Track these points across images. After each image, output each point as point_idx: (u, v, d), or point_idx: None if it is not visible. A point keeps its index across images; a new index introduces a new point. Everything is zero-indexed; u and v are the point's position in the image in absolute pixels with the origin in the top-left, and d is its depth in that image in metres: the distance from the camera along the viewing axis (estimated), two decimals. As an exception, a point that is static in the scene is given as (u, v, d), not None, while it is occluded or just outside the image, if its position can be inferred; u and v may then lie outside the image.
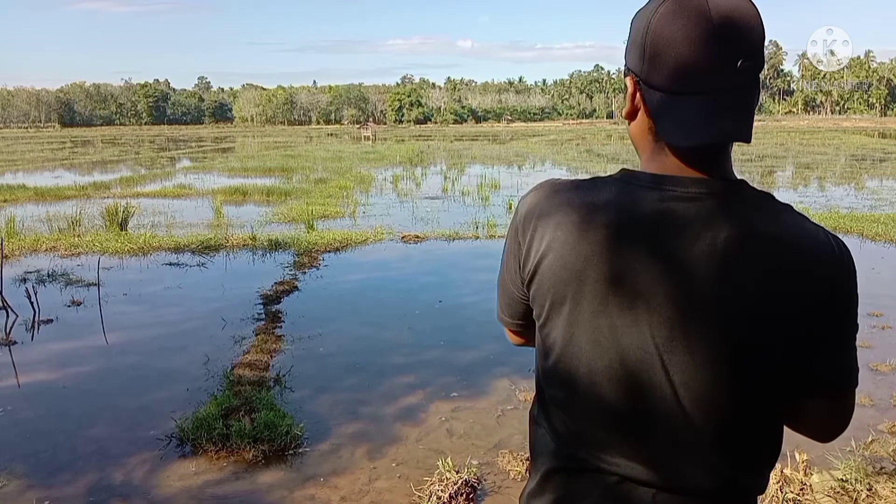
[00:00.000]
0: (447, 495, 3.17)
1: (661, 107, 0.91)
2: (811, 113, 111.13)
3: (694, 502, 0.92)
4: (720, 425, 0.90)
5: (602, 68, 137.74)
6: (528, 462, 1.12)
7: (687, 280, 0.88)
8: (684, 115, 0.88)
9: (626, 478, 0.92)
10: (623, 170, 0.96)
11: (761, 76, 0.90)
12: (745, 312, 0.87)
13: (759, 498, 0.98)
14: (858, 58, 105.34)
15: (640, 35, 0.91)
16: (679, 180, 0.90)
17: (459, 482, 3.23)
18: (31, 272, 7.89)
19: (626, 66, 0.96)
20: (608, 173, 0.97)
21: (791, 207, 0.92)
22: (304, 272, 7.95)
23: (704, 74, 0.86)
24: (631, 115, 0.97)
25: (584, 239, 0.91)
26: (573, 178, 1.00)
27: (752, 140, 0.89)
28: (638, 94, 0.94)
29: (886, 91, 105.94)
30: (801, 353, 0.90)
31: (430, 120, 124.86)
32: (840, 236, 0.96)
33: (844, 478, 3.14)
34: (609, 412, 0.93)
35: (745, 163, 24.83)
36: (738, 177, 0.93)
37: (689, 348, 0.88)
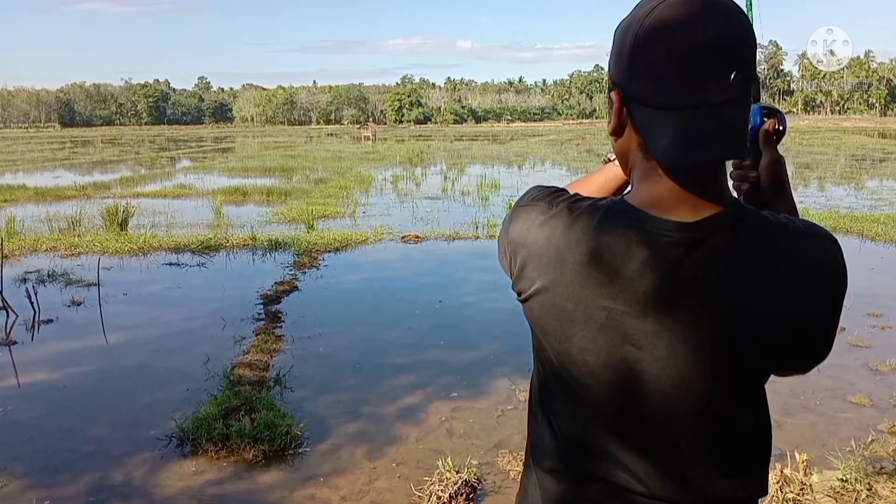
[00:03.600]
0: (447, 495, 3.18)
1: (651, 123, 0.85)
2: (811, 113, 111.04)
3: None
4: (713, 436, 0.91)
5: (602, 68, 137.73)
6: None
7: (678, 322, 0.87)
8: (676, 131, 0.82)
9: (619, 487, 0.92)
10: (623, 201, 0.91)
11: (752, 90, 0.85)
12: (738, 340, 0.88)
13: (760, 499, 0.98)
14: (858, 58, 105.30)
15: (627, 47, 0.85)
16: (672, 225, 0.86)
17: (459, 482, 3.24)
18: (31, 272, 7.89)
19: (610, 79, 0.90)
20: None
21: (785, 225, 0.88)
22: (304, 272, 7.96)
23: (696, 88, 0.81)
24: (617, 132, 0.92)
25: (574, 282, 0.89)
26: (573, 198, 0.94)
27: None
28: (625, 110, 0.89)
29: (886, 91, 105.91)
30: (790, 358, 0.94)
31: (430, 120, 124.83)
32: (840, 236, 0.95)
33: (844, 478, 3.14)
34: (602, 425, 0.93)
35: (745, 163, 24.74)
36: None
37: (683, 379, 0.88)
